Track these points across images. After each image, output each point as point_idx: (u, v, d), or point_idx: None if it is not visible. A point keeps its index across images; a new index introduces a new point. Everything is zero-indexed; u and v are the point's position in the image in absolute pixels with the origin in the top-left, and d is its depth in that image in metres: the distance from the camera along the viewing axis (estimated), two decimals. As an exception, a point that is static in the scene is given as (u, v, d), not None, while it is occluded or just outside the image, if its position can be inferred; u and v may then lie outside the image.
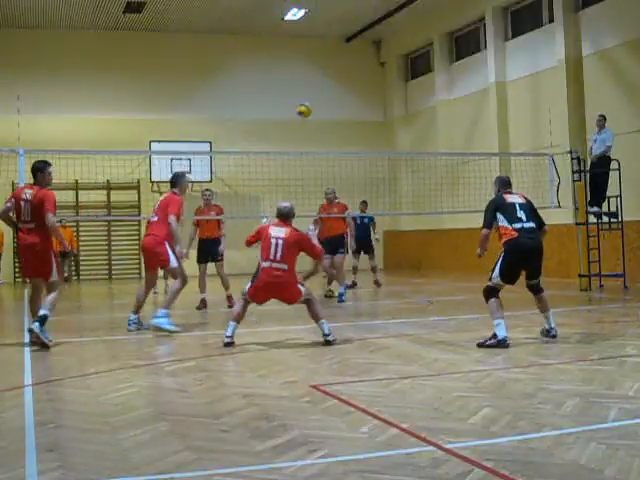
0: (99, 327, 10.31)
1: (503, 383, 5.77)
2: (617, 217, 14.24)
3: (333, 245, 12.94)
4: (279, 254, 7.94)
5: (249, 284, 8.14)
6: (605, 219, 14.43)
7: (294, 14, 21.86)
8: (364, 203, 17.00)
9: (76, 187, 21.50)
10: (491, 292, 7.89)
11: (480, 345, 7.54)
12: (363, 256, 16.25)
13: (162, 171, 21.62)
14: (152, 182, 22.09)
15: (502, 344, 7.47)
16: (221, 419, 4.82)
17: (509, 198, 7.95)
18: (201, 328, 10.28)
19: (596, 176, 14.07)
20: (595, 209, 14.15)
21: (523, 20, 19.62)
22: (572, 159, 14.34)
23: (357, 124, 24.66)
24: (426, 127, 23.30)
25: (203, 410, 5.14)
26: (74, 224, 21.91)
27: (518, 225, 7.77)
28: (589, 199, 14.18)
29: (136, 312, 9.60)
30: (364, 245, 15.90)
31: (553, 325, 8.04)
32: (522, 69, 19.23)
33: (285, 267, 7.95)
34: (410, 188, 21.53)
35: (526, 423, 4.55)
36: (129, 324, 9.53)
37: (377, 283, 16.16)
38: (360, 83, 24.92)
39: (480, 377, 5.99)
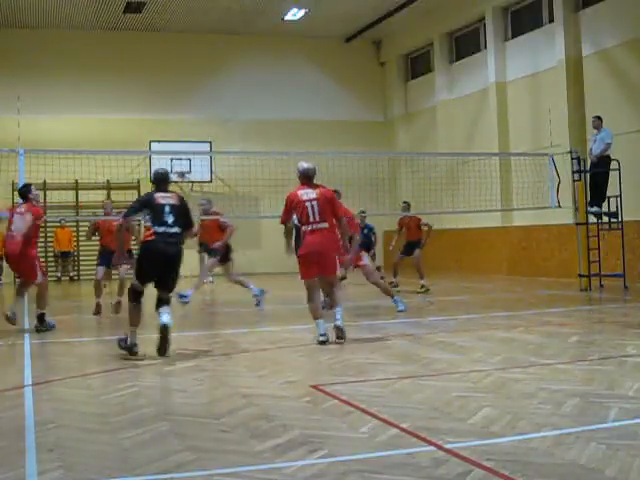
0: (99, 327, 10.31)
1: (503, 383, 5.76)
2: (617, 217, 14.24)
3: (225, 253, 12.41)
4: (317, 215, 8.00)
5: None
6: (605, 219, 14.43)
7: (294, 14, 21.88)
8: (363, 213, 16.90)
9: (76, 187, 21.51)
10: (134, 293, 7.52)
11: (120, 343, 7.37)
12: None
13: (162, 171, 21.63)
14: (152, 182, 22.06)
15: (131, 351, 7.31)
16: (221, 419, 4.82)
17: (161, 199, 7.63)
18: (200, 328, 10.28)
19: (596, 176, 14.07)
20: (595, 209, 14.14)
21: (523, 20, 19.62)
22: (572, 159, 14.34)
23: (357, 124, 24.65)
24: (426, 127, 23.30)
25: (203, 410, 5.14)
26: (74, 224, 21.92)
27: (161, 228, 7.45)
28: (589, 199, 14.18)
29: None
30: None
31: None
32: (522, 69, 19.24)
33: (326, 225, 8.03)
34: (410, 188, 21.53)
35: (526, 423, 4.54)
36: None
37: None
38: (360, 83, 24.92)
39: (480, 377, 5.99)
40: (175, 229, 7.49)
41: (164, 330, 7.24)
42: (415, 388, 5.65)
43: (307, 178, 8.27)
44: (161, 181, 7.90)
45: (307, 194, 8.12)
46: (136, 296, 7.51)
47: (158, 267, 7.45)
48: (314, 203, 8.05)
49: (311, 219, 8.03)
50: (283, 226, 8.35)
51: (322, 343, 7.90)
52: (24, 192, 10.02)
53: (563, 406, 4.91)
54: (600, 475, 3.56)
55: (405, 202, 15.81)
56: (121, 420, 4.87)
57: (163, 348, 7.27)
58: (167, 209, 7.52)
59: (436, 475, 3.62)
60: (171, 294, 7.64)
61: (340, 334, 8.06)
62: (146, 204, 7.69)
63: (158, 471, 3.81)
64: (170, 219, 7.48)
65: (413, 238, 15.34)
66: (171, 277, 7.57)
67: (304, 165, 8.33)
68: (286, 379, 6.16)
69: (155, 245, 7.42)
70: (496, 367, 6.47)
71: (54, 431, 4.63)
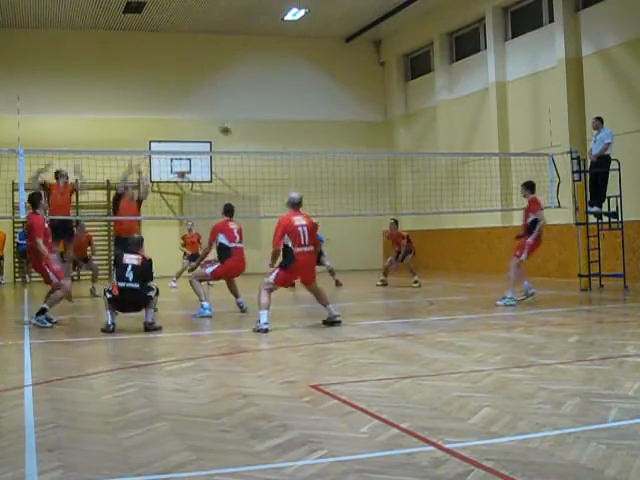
0: (99, 327, 10.29)
1: (503, 383, 5.76)
2: (617, 217, 14.23)
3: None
4: (307, 239, 9.39)
5: (273, 275, 9.41)
6: (605, 219, 14.42)
7: (294, 14, 21.87)
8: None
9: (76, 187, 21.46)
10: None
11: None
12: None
13: (162, 171, 21.65)
14: (152, 182, 22.07)
15: (108, 329, 9.34)
16: (221, 419, 4.82)
17: (126, 259, 9.55)
18: (201, 328, 10.29)
19: (596, 176, 14.07)
20: (595, 209, 14.14)
21: (523, 20, 19.60)
22: (572, 159, 14.33)
23: (357, 124, 24.65)
24: (426, 127, 23.29)
25: (203, 410, 5.14)
26: (74, 224, 21.87)
27: (122, 284, 9.41)
28: (589, 199, 14.18)
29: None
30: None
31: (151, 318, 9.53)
32: (522, 69, 19.23)
33: (312, 249, 9.52)
34: (410, 188, 21.53)
35: (526, 423, 4.54)
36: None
37: (338, 283, 16.61)
38: (360, 83, 24.91)
39: (480, 377, 5.99)
40: (134, 285, 9.41)
41: (150, 327, 9.49)
42: (415, 388, 5.65)
43: (298, 205, 9.67)
44: (133, 244, 9.89)
45: (299, 220, 9.47)
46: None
47: (125, 306, 9.65)
48: (304, 229, 9.42)
49: (302, 242, 9.37)
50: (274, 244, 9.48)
51: (264, 331, 9.07)
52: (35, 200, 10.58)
53: (563, 406, 4.91)
54: (600, 475, 3.56)
55: (394, 219, 17.31)
56: (121, 420, 4.87)
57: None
58: (129, 268, 9.44)
59: (436, 475, 3.62)
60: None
61: (338, 324, 9.57)
62: (115, 262, 9.92)
63: (158, 471, 3.81)
64: (130, 276, 9.41)
65: (399, 247, 16.67)
66: (141, 307, 9.68)
67: (295, 195, 9.73)
68: (286, 379, 6.16)
69: (120, 298, 9.45)
70: (496, 367, 6.47)
71: (54, 431, 4.63)
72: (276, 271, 9.45)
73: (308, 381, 6.00)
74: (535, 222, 11.89)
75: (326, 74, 24.47)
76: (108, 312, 9.51)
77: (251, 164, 17.59)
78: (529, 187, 12.33)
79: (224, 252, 11.25)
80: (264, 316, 9.17)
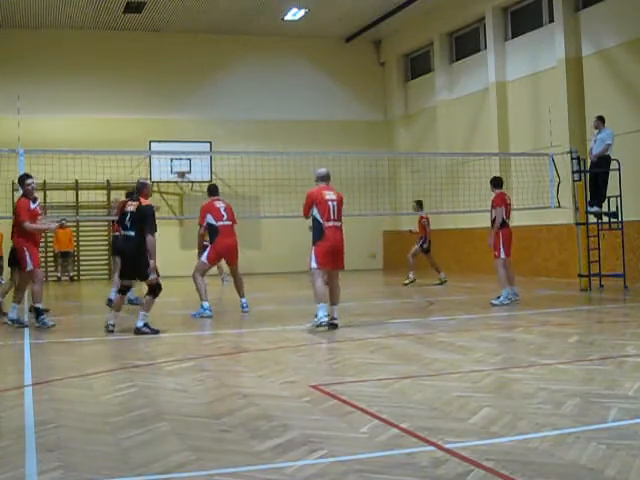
0: (99, 327, 10.30)
1: (503, 383, 5.76)
2: (617, 217, 14.23)
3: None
4: (336, 213, 9.34)
5: (313, 259, 9.15)
6: (605, 219, 14.42)
7: (294, 14, 21.87)
8: None
9: (76, 187, 21.50)
10: (121, 287, 9.69)
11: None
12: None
13: (162, 171, 21.66)
14: (152, 182, 22.07)
15: (107, 329, 9.31)
16: (221, 419, 4.82)
17: (128, 206, 9.51)
18: (201, 328, 10.29)
19: (596, 176, 14.07)
20: (595, 209, 14.14)
21: (523, 20, 19.60)
22: (572, 159, 14.33)
23: (357, 124, 24.65)
24: (426, 127, 23.29)
25: (203, 410, 5.15)
26: (74, 224, 21.91)
27: (123, 232, 9.44)
28: (589, 199, 14.18)
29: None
30: None
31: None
32: (522, 69, 19.22)
33: (339, 224, 9.41)
34: (410, 188, 21.53)
35: (526, 423, 4.54)
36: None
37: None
38: (360, 83, 24.91)
39: (480, 377, 5.99)
40: (130, 232, 9.26)
41: (137, 332, 9.11)
42: (415, 388, 5.65)
43: (326, 179, 9.57)
44: (135, 189, 9.71)
45: (329, 194, 9.38)
46: (121, 289, 9.66)
47: (121, 261, 9.58)
48: (334, 203, 9.33)
49: (331, 216, 9.28)
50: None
51: (325, 325, 8.96)
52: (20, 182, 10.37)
53: (563, 406, 4.91)
54: (600, 475, 3.56)
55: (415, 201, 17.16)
56: (121, 420, 4.87)
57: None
58: (128, 216, 9.35)
59: (436, 475, 3.62)
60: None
61: (334, 327, 9.22)
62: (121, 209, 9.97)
63: (158, 471, 3.81)
64: (128, 224, 9.30)
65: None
66: (134, 268, 9.28)
67: (323, 169, 9.69)
68: (286, 379, 6.16)
69: (115, 243, 9.85)
70: (496, 367, 6.47)
71: (54, 431, 4.63)
72: (312, 254, 9.24)
73: (308, 381, 6.00)
74: (502, 220, 11.82)
75: (326, 74, 24.47)
76: (111, 312, 9.52)
77: (251, 164, 17.60)
78: (492, 183, 12.34)
79: (212, 232, 11.23)
80: (322, 309, 9.03)
